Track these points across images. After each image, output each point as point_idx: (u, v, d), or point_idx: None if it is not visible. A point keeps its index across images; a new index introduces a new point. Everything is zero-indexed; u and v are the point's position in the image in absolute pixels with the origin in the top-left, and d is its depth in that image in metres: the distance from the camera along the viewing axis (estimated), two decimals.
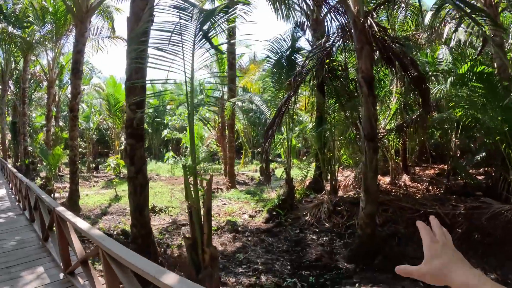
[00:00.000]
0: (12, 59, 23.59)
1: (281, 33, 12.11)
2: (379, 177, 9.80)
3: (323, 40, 9.04)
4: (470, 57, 11.43)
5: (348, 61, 10.19)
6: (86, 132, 31.55)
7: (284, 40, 11.61)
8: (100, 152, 39.47)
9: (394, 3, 10.70)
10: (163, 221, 10.42)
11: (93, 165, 27.39)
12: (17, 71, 25.44)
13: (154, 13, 6.16)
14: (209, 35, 4.70)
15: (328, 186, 11.01)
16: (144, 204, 6.37)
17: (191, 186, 4.39)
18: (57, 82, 24.34)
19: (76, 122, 12.38)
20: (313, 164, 12.80)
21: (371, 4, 10.29)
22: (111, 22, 18.62)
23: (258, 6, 10.85)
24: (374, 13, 7.98)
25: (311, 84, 9.80)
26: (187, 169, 4.34)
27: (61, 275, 4.67)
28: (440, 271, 0.73)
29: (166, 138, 31.34)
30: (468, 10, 6.69)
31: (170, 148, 34.88)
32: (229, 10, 5.21)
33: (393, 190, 11.47)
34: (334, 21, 9.00)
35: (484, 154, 11.36)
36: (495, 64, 10.14)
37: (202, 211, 4.28)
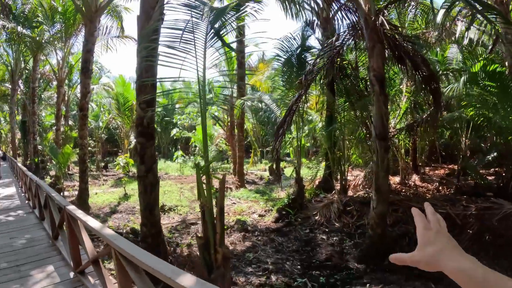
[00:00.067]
0: (21, 58, 23.84)
1: (290, 31, 12.12)
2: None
3: (333, 38, 8.97)
4: (483, 56, 11.28)
5: (358, 59, 10.11)
6: (96, 131, 31.78)
7: (294, 39, 11.54)
8: (109, 151, 39.81)
9: (405, 1, 10.59)
10: (172, 220, 10.42)
11: (102, 164, 27.62)
12: (26, 71, 25.66)
13: (164, 11, 6.17)
14: (220, 33, 4.66)
15: (338, 186, 10.94)
16: (154, 203, 6.35)
17: (203, 185, 4.35)
18: (66, 81, 24.51)
19: (85, 121, 12.42)
20: (323, 164, 12.74)
21: (381, 3, 10.20)
22: (120, 21, 18.66)
23: (269, 4, 10.76)
24: (385, 11, 7.91)
25: (321, 83, 9.73)
26: (199, 168, 4.30)
27: (71, 274, 4.65)
28: (433, 258, 0.72)
29: (175, 137, 31.44)
30: (480, 8, 6.60)
31: (179, 147, 35.06)
32: (240, 8, 5.17)
33: (403, 190, 11.38)
34: (345, 19, 8.95)
35: (495, 154, 11.21)
36: (506, 63, 10.01)
37: (214, 210, 4.25)
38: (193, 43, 4.55)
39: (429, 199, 9.79)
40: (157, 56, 5.53)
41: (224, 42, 4.81)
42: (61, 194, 12.15)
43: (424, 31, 12.46)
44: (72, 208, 4.72)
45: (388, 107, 11.26)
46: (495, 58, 11.79)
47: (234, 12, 5.15)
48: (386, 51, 7.45)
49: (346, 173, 11.22)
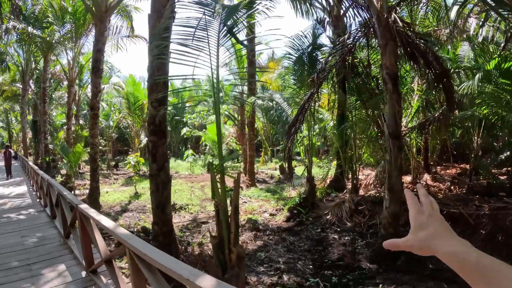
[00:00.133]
0: (32, 59, 24.05)
1: (301, 30, 12.01)
2: None
3: (345, 36, 8.91)
4: (498, 53, 11.12)
5: (370, 58, 10.02)
6: (106, 130, 31.99)
7: (305, 37, 11.47)
8: (120, 150, 40.04)
9: None
10: (183, 218, 10.42)
11: (113, 163, 27.78)
12: (37, 71, 25.89)
13: (175, 9, 6.15)
14: (233, 30, 4.63)
15: (349, 185, 10.87)
16: (166, 201, 6.34)
17: (217, 183, 4.32)
18: (77, 81, 24.68)
19: (96, 120, 12.47)
20: (334, 163, 12.67)
21: (392, 0, 10.11)
22: (130, 21, 18.75)
23: (280, 1, 10.67)
24: (397, 8, 7.83)
25: (333, 81, 9.66)
26: (214, 167, 4.26)
27: (83, 273, 4.62)
28: (425, 242, 0.71)
29: (185, 136, 31.52)
30: (493, 4, 6.49)
31: (189, 146, 35.13)
32: (253, 6, 5.13)
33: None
34: (357, 17, 8.85)
35: (508, 153, 11.05)
36: None
37: (228, 209, 4.21)
38: (206, 40, 4.51)
39: (442, 199, 9.68)
40: (168, 54, 5.52)
41: (237, 40, 4.79)
42: (72, 192, 12.23)
43: (435, 28, 12.32)
44: (84, 207, 4.69)
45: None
46: (508, 56, 11.64)
47: (246, 10, 5.12)
48: (398, 49, 7.37)
49: (357, 172, 11.13)
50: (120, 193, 14.67)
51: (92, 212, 4.36)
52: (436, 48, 11.81)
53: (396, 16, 6.98)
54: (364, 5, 8.45)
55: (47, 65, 22.11)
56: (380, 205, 8.73)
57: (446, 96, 8.61)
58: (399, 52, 7.50)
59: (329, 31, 13.15)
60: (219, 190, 4.26)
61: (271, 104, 18.31)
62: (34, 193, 12.12)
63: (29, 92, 26.68)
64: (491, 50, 11.99)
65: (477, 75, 8.84)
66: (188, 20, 4.88)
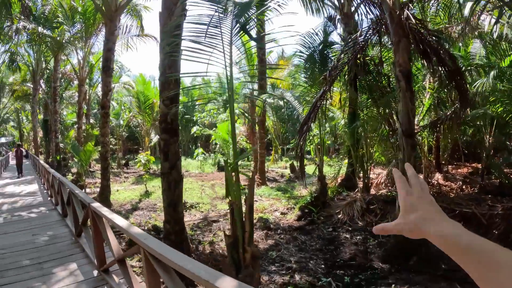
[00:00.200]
0: (42, 59, 24.28)
1: (312, 28, 11.87)
2: None
3: (357, 33, 8.83)
4: (507, 51, 10.96)
5: (381, 55, 9.93)
6: (117, 129, 32.23)
7: (317, 34, 11.35)
8: (130, 148, 40.37)
9: None
10: (194, 217, 10.40)
11: (123, 161, 27.98)
12: (48, 71, 26.16)
13: (187, 7, 6.13)
14: (246, 27, 4.59)
15: (360, 184, 10.79)
16: (178, 200, 6.32)
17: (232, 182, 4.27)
18: (87, 80, 24.88)
19: (107, 119, 12.53)
20: (345, 161, 12.58)
21: None
22: (139, 20, 18.86)
23: None
24: (410, 5, 7.74)
25: (344, 79, 9.59)
26: (229, 165, 4.22)
27: (95, 272, 4.58)
28: (415, 225, 0.69)
29: (195, 135, 31.61)
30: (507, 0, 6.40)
31: (199, 144, 35.20)
32: (265, 3, 5.09)
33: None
34: (369, 14, 8.78)
35: None
36: None
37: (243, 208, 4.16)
38: (219, 37, 4.48)
39: (454, 198, 9.58)
40: (180, 52, 5.49)
41: (250, 36, 4.75)
42: (83, 191, 12.30)
43: (446, 25, 12.17)
44: (97, 205, 4.64)
45: None
46: None
47: (258, 7, 5.09)
48: (411, 46, 7.29)
49: (368, 171, 11.04)
50: (130, 191, 14.73)
51: (104, 211, 4.31)
52: (448, 45, 11.67)
53: (408, 12, 6.90)
54: (376, 2, 8.38)
55: (58, 65, 22.30)
56: (392, 204, 8.67)
57: (459, 94, 8.49)
58: (411, 49, 7.42)
59: (339, 29, 13.06)
60: (234, 188, 4.22)
61: (281, 102, 18.26)
62: (45, 191, 12.19)
63: (40, 92, 26.93)
64: (504, 47, 11.84)
65: (492, 72, 8.72)
66: (200, 17, 4.86)
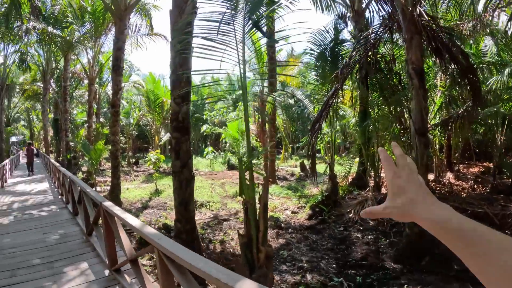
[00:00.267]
0: (52, 58, 24.47)
1: (322, 25, 11.83)
2: None
3: (369, 31, 8.75)
4: None
5: (391, 53, 9.84)
6: (126, 128, 32.36)
7: (327, 32, 11.28)
8: (140, 147, 40.62)
9: None
10: (204, 216, 10.39)
11: (133, 160, 28.13)
12: (58, 70, 26.36)
13: (197, 5, 6.11)
14: (258, 24, 4.55)
15: (371, 183, 10.70)
16: (189, 199, 6.30)
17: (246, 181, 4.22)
18: (97, 79, 24.98)
19: (117, 118, 12.55)
20: (356, 160, 12.49)
21: None
22: (149, 19, 18.89)
23: None
24: (422, 1, 7.65)
25: (356, 77, 9.51)
26: (243, 164, 4.18)
27: (106, 272, 4.52)
28: (404, 208, 0.67)
29: (205, 134, 31.67)
30: None
31: (209, 143, 35.26)
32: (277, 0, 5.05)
33: (438, 188, 11.08)
34: (380, 11, 8.70)
35: None
36: None
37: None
38: (232, 34, 4.45)
39: (466, 198, 9.48)
40: (191, 49, 5.46)
41: (263, 33, 4.72)
42: (94, 189, 12.36)
43: (457, 22, 12.03)
44: (109, 204, 4.59)
45: None
46: None
47: (269, 4, 5.05)
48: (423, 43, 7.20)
49: (379, 170, 10.95)
50: (140, 190, 14.76)
51: (117, 210, 4.25)
52: (459, 42, 11.54)
53: (421, 9, 6.82)
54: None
55: (68, 64, 22.46)
56: None
57: (472, 92, 8.37)
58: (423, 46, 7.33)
59: (350, 27, 12.98)
60: (247, 187, 4.17)
61: (291, 101, 18.19)
62: (55, 190, 12.25)
63: (50, 91, 27.13)
64: None
65: (506, 70, 8.58)
66: (212, 14, 4.83)
